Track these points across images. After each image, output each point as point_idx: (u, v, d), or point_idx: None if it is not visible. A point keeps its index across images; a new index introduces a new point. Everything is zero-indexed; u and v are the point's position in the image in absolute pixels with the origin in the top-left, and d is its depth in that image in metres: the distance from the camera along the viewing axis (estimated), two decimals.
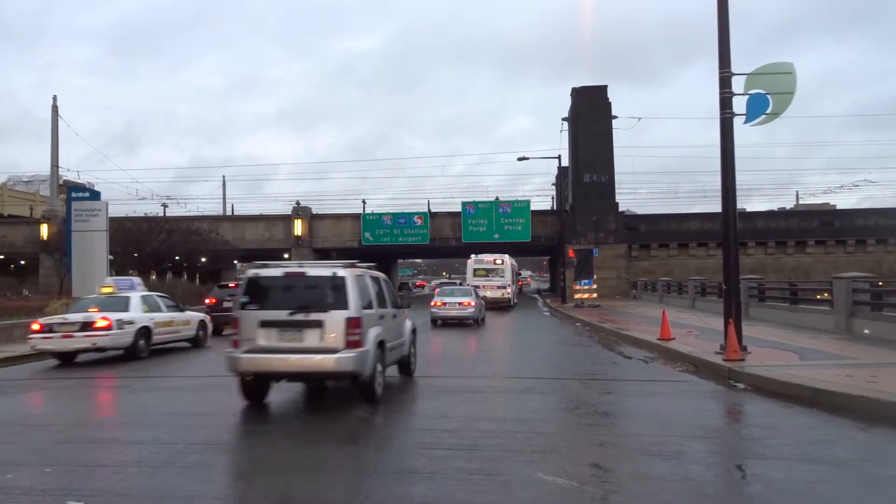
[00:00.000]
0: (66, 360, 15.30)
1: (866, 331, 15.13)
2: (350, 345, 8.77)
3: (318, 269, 9.59)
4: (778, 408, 8.75)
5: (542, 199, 68.36)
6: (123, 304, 16.12)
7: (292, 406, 9.68)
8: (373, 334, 9.30)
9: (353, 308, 8.95)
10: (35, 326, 15.37)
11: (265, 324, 9.00)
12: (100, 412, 10.55)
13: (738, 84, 12.50)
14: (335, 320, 8.84)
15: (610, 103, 45.95)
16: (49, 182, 47.87)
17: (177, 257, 44.28)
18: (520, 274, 59.68)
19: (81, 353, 15.22)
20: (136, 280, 19.24)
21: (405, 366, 11.73)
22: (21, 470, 6.41)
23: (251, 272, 9.68)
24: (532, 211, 48.75)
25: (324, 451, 7.02)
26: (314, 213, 51.75)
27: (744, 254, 40.73)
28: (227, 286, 23.90)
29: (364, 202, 51.91)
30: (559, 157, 45.07)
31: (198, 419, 8.84)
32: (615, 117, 45.31)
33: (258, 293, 9.28)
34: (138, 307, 16.32)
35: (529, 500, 5.27)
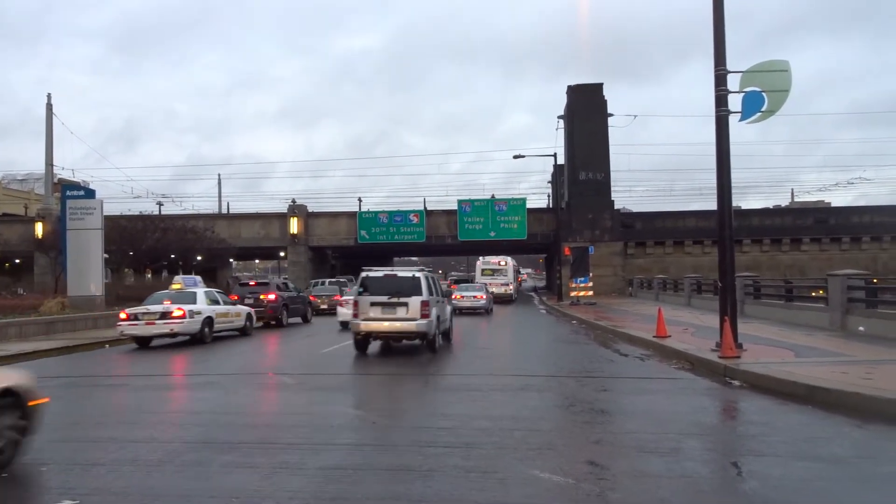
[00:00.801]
0: (144, 344, 18.34)
1: (861, 328, 15.19)
2: (422, 316, 14.55)
3: (404, 272, 15.36)
4: (773, 405, 8.77)
5: (540, 198, 68.33)
6: (191, 298, 19.20)
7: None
8: (434, 312, 14.96)
9: (425, 295, 14.72)
10: (122, 316, 18.47)
11: (374, 304, 14.79)
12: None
13: (734, 82, 12.52)
14: (415, 302, 14.59)
15: (606, 101, 46.02)
16: (44, 180, 47.69)
17: (172, 255, 44.18)
18: (519, 272, 66.25)
19: (157, 338, 18.49)
20: (198, 278, 22.88)
21: (447, 334, 17.25)
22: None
23: (364, 273, 15.39)
24: (528, 209, 48.77)
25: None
26: (310, 211, 51.67)
27: (739, 251, 40.75)
28: (247, 284, 26.58)
29: (360, 200, 51.84)
30: (555, 155, 45.15)
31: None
32: (611, 115, 45.38)
33: (368, 286, 15.07)
34: (203, 300, 19.50)
35: (526, 498, 5.27)
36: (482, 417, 8.23)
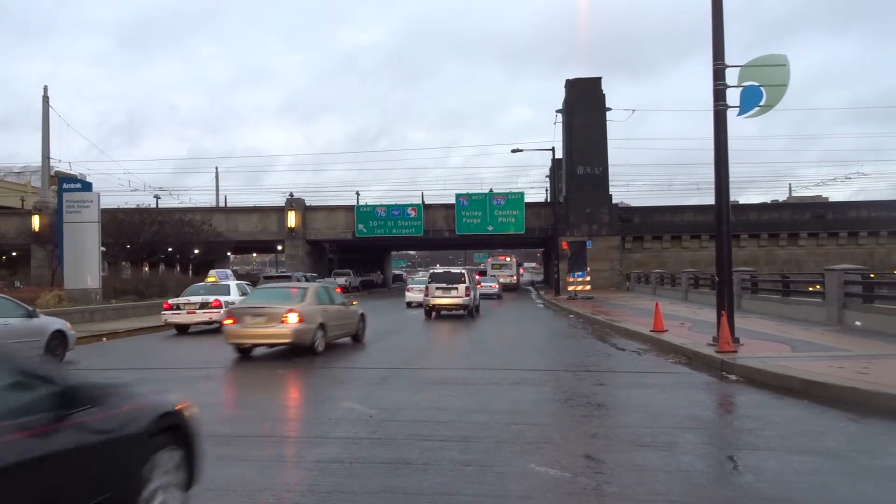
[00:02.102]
0: (183, 330, 20.33)
1: (858, 322, 15.22)
2: (466, 296, 23.48)
3: (455, 270, 26.03)
4: (770, 399, 8.80)
5: (540, 192, 68.42)
6: (225, 290, 21.51)
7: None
8: (473, 293, 24.37)
9: (467, 283, 23.92)
10: (165, 305, 20.68)
11: (438, 288, 23.72)
12: None
13: (732, 77, 12.50)
14: (461, 287, 23.53)
15: (604, 95, 45.94)
16: (40, 173, 47.54)
17: (169, 249, 44.13)
18: (522, 265, 75.91)
19: (194, 326, 20.30)
20: (229, 272, 27.51)
21: (477, 308, 25.75)
22: None
23: (432, 271, 26.00)
24: (526, 203, 48.76)
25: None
26: (308, 204, 51.60)
27: (737, 246, 40.86)
28: (272, 277, 29.70)
29: (357, 194, 51.73)
30: (553, 149, 45.04)
31: None
32: (609, 109, 45.31)
33: (434, 278, 24.40)
34: (235, 292, 21.53)
35: (523, 491, 5.28)
36: (479, 411, 8.24)
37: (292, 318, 13.47)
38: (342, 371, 12.35)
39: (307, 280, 27.09)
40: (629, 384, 10.46)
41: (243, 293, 21.56)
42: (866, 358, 10.73)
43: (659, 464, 5.93)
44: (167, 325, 20.46)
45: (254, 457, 6.39)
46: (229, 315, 14.21)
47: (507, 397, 9.28)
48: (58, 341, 13.85)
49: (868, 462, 6.08)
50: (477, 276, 43.97)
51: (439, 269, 26.26)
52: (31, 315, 13.66)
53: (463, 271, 24.80)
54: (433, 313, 24.35)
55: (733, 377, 10.39)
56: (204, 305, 19.97)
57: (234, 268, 66.94)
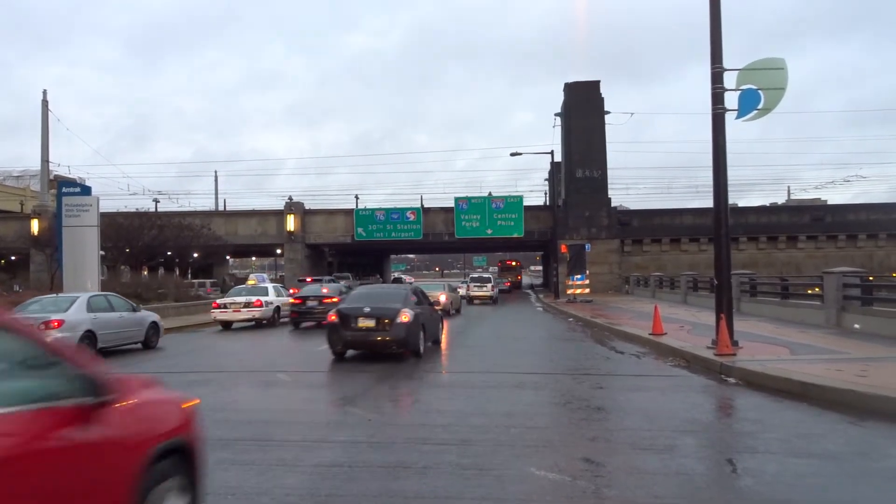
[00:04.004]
0: (227, 327, 23.18)
1: (856, 325, 15.23)
2: (493, 290, 39.64)
3: (485, 274, 48.23)
4: (769, 402, 8.80)
5: (541, 195, 68.73)
6: (264, 291, 24.32)
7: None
8: (495, 289, 40.77)
9: (493, 282, 41.58)
10: (214, 305, 23.75)
11: (474, 284, 40.17)
12: None
13: (731, 80, 12.52)
14: (488, 285, 39.89)
15: (602, 98, 45.95)
16: (39, 177, 47.52)
17: (168, 252, 44.09)
18: (522, 268, 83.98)
19: (238, 322, 23.22)
20: (266, 275, 33.66)
21: (496, 299, 39.03)
22: None
23: (471, 276, 45.67)
24: (525, 206, 48.76)
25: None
26: (307, 208, 51.60)
27: (735, 249, 40.88)
28: (305, 280, 35.31)
29: (357, 197, 51.73)
30: (552, 153, 45.07)
31: None
32: (608, 112, 45.32)
33: (473, 279, 41.58)
34: (273, 293, 24.45)
35: (522, 495, 5.28)
36: (478, 414, 8.24)
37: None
38: (341, 373, 12.34)
39: (337, 282, 31.18)
40: (628, 387, 10.46)
41: (279, 294, 24.84)
42: (865, 361, 10.74)
43: (658, 467, 5.93)
44: (214, 322, 23.40)
45: (254, 460, 6.38)
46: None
47: (505, 400, 9.28)
48: (153, 330, 17.77)
49: (867, 465, 6.08)
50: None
51: (476, 274, 47.08)
52: (135, 310, 17.62)
53: (488, 275, 44.91)
54: (471, 301, 37.62)
55: (732, 380, 10.39)
56: (247, 305, 22.93)
57: (233, 271, 66.83)
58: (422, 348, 13.88)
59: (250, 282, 27.32)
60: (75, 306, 15.49)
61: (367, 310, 13.54)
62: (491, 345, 17.05)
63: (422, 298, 15.28)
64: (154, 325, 17.79)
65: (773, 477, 5.61)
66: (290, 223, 50.08)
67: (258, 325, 23.23)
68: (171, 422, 3.98)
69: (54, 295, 18.11)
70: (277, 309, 23.99)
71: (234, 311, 22.83)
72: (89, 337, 15.18)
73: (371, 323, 13.32)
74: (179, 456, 3.93)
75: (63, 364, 3.31)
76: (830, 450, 6.50)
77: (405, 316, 13.31)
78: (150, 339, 17.42)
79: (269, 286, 25.27)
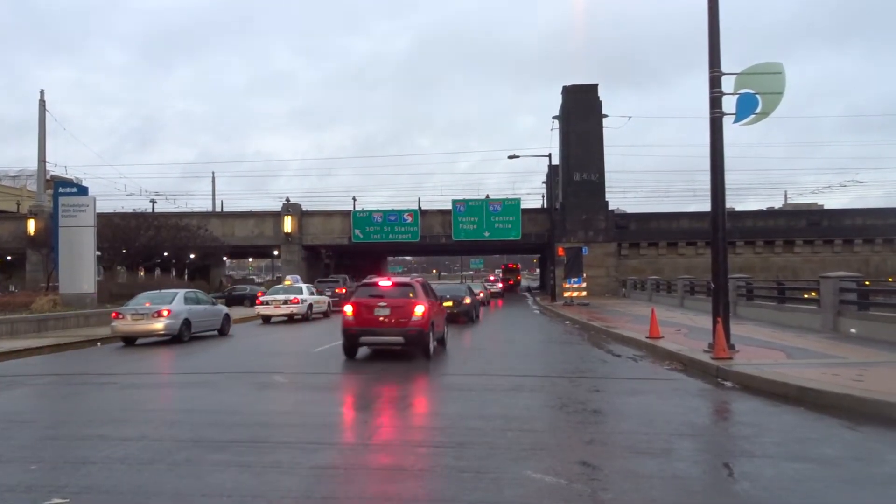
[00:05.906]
0: (267, 320, 26.54)
1: (853, 330, 15.25)
2: (480, 296, 34.81)
3: (493, 277, 75.71)
4: (765, 406, 8.80)
5: (539, 199, 69.25)
6: (299, 290, 27.95)
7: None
8: (484, 294, 42.60)
9: (481, 288, 40.26)
10: (258, 301, 28.10)
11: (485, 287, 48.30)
12: None
13: (729, 85, 12.54)
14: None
15: (600, 101, 46.02)
16: (36, 177, 47.42)
17: (165, 254, 44.01)
18: (520, 271, 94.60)
19: (276, 317, 26.82)
20: (297, 277, 33.64)
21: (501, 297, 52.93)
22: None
23: (497, 272, 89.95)
24: (522, 209, 48.79)
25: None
26: (304, 210, 51.56)
27: (732, 253, 40.98)
28: (325, 281, 40.78)
29: (354, 199, 51.72)
30: (549, 156, 45.13)
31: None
32: (606, 116, 45.40)
33: (503, 273, 79.20)
34: (306, 292, 28.12)
35: (518, 498, 5.26)
36: (475, 417, 8.23)
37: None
38: (337, 377, 12.32)
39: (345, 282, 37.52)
40: (625, 391, 10.45)
41: (311, 293, 28.76)
42: (861, 365, 10.75)
43: (654, 470, 5.92)
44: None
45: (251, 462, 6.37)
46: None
47: (502, 403, 9.26)
48: (226, 320, 21.59)
49: (863, 469, 6.08)
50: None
51: (499, 272, 61.24)
52: (213, 303, 22.12)
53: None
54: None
55: (729, 384, 10.39)
56: (286, 302, 26.57)
57: (230, 272, 66.72)
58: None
59: (286, 282, 30.47)
60: (177, 299, 19.01)
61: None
62: (488, 347, 17.03)
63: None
64: (227, 316, 21.78)
65: (769, 481, 5.60)
66: (288, 224, 50.05)
67: (290, 319, 26.61)
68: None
69: (158, 290, 21.19)
70: (310, 306, 27.50)
71: (275, 308, 26.44)
72: (186, 323, 18.78)
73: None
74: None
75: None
76: (827, 454, 6.50)
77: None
78: (224, 328, 21.27)
79: (303, 286, 28.95)
